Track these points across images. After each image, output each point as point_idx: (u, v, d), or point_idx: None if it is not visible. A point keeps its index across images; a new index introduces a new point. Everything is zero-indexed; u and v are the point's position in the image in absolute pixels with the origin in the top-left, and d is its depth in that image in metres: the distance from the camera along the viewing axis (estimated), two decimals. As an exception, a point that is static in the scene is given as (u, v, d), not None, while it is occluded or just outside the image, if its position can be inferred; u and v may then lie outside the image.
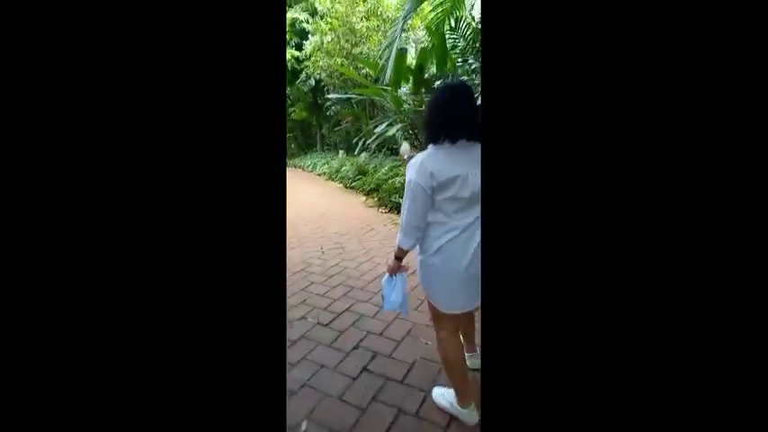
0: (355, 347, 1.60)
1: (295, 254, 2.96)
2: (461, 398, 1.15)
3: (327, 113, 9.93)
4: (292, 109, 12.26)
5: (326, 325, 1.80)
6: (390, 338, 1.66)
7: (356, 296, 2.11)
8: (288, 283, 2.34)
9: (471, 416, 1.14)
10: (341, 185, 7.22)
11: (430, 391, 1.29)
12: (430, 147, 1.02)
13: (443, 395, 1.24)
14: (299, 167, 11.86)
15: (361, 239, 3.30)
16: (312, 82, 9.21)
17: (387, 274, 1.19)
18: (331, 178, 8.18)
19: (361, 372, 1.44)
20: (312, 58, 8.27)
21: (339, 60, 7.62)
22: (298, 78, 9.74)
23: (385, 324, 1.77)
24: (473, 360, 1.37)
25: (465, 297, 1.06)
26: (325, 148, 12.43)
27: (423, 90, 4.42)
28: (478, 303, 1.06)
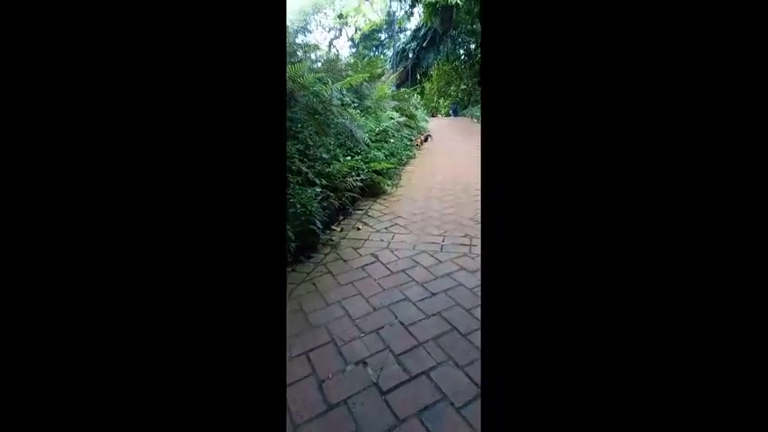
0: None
1: (406, 244, 2.36)
2: None
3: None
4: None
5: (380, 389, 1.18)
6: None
7: (450, 351, 1.36)
8: (377, 281, 1.80)
9: None
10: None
11: None
12: None
13: None
14: (477, 119, 10.77)
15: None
16: None
17: None
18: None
19: None
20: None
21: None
22: None
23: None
24: None
25: None
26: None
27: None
28: None
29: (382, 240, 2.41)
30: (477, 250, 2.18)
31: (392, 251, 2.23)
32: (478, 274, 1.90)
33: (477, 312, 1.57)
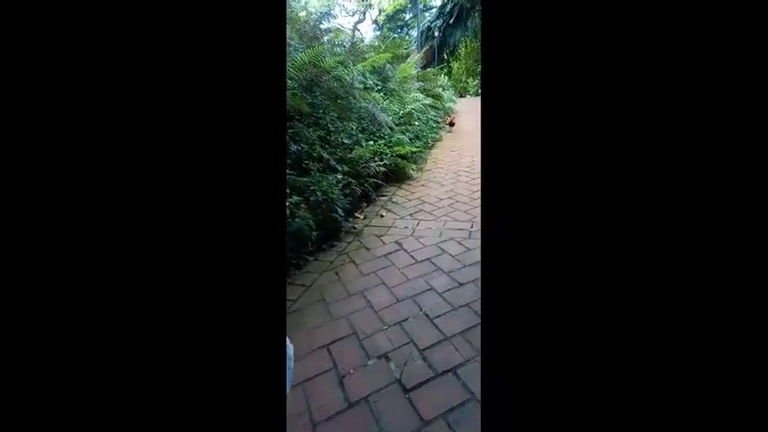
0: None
1: (431, 231, 2.24)
2: None
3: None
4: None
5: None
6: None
7: (479, 347, 1.26)
8: (400, 267, 1.72)
9: None
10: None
11: None
12: None
13: None
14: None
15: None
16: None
17: None
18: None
19: None
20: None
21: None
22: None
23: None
24: None
25: None
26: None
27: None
28: None
29: (407, 227, 2.31)
30: (509, 236, 2.04)
31: (417, 239, 2.13)
32: (510, 263, 1.76)
33: (510, 304, 1.44)
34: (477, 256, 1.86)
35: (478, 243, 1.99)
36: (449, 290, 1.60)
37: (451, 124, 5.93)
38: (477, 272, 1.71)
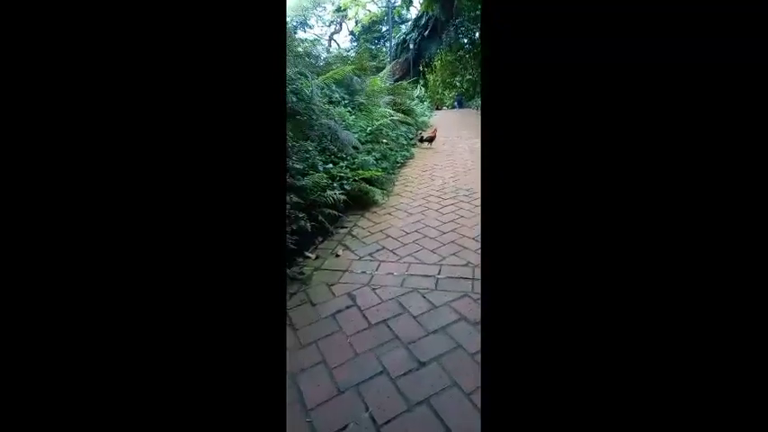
0: None
1: (392, 278, 1.90)
2: None
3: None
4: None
5: None
6: None
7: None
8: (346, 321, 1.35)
9: None
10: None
11: None
12: None
13: None
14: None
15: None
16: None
17: None
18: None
19: None
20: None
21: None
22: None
23: None
24: None
25: None
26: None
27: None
28: None
29: (364, 272, 1.95)
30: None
31: (374, 289, 1.78)
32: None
33: (479, 399, 1.10)
34: (444, 317, 1.52)
35: (446, 297, 1.66)
36: (406, 374, 1.24)
37: (430, 140, 5.58)
38: (442, 344, 1.37)
